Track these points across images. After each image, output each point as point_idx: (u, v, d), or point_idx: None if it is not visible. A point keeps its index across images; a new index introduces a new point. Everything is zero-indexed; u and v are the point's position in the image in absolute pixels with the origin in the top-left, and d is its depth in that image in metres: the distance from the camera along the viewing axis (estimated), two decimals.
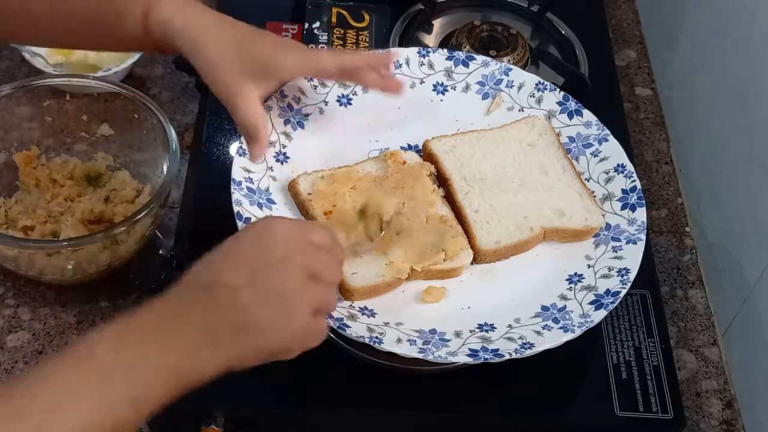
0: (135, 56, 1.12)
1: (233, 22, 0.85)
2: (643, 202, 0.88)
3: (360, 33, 1.11)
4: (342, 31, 1.11)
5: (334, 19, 1.12)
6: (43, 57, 1.12)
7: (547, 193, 0.89)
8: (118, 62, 1.12)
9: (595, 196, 0.90)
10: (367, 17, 1.13)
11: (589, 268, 0.85)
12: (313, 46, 1.09)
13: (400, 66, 0.97)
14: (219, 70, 0.83)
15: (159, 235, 1.01)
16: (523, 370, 0.84)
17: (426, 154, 0.91)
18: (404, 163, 0.89)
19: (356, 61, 0.87)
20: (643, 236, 0.85)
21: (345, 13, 1.13)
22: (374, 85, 0.89)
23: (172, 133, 0.96)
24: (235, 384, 0.83)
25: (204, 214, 0.93)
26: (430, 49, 0.98)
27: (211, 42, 0.82)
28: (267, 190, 0.86)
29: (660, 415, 0.84)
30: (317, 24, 1.11)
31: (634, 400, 0.85)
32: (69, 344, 0.64)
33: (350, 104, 0.95)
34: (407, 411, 0.84)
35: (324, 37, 1.10)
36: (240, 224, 0.81)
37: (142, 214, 0.91)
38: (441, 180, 0.90)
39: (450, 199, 0.89)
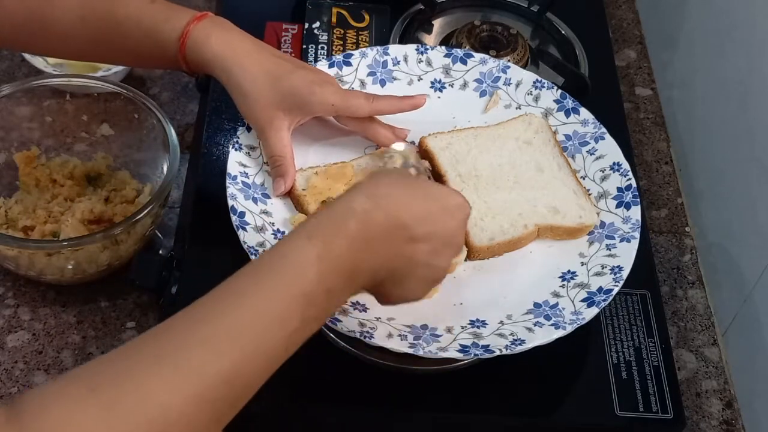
0: None
1: (269, 51, 0.86)
2: (638, 200, 0.88)
3: (360, 33, 1.11)
4: (342, 31, 1.11)
5: (334, 19, 1.12)
6: (43, 57, 1.12)
7: (541, 191, 0.89)
8: None
9: (590, 194, 0.90)
10: (367, 17, 1.13)
11: (582, 265, 0.85)
12: (314, 46, 1.09)
13: (398, 63, 0.97)
14: (252, 100, 0.84)
15: (159, 235, 1.01)
16: (523, 370, 0.85)
17: (422, 150, 0.91)
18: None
19: (390, 109, 0.90)
20: (638, 234, 0.85)
21: (345, 13, 1.13)
22: (386, 144, 0.90)
23: (172, 133, 0.97)
24: None
25: (204, 214, 0.93)
26: (428, 47, 0.98)
27: (247, 72, 0.84)
28: (262, 184, 0.87)
29: (660, 415, 0.84)
30: (317, 24, 1.11)
31: (634, 400, 0.85)
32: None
33: None
34: (407, 411, 0.84)
35: (324, 37, 1.10)
36: (234, 218, 0.82)
37: (142, 214, 0.91)
38: (436, 177, 0.90)
39: None
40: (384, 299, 0.73)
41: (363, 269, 0.67)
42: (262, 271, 0.64)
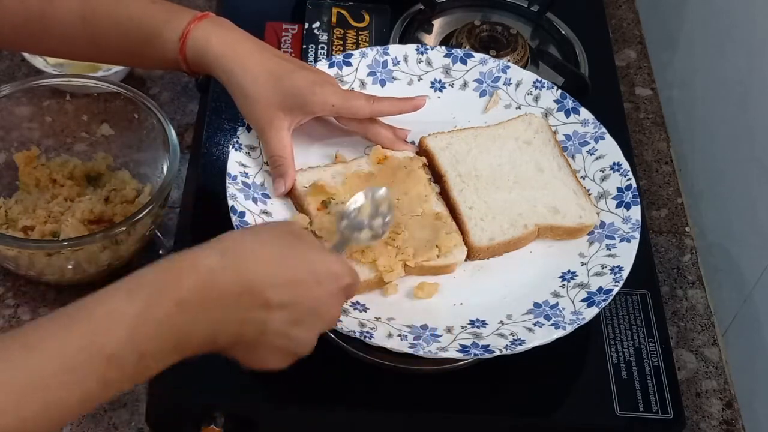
0: None
1: (270, 51, 0.86)
2: (638, 200, 0.88)
3: (360, 33, 1.11)
4: (342, 31, 1.11)
5: (334, 19, 1.12)
6: (43, 57, 1.12)
7: (541, 191, 0.89)
8: None
9: (590, 194, 0.90)
10: (367, 17, 1.13)
11: (582, 265, 0.85)
12: (314, 46, 1.09)
13: (398, 63, 0.97)
14: (253, 100, 0.84)
15: (159, 235, 1.01)
16: (523, 370, 0.85)
17: (422, 150, 0.91)
18: (385, 158, 0.89)
19: (391, 110, 0.89)
20: (638, 234, 0.85)
21: (345, 13, 1.13)
22: (387, 145, 0.90)
23: (172, 133, 0.97)
24: (235, 384, 0.83)
25: (204, 214, 0.93)
26: (428, 47, 0.98)
27: (248, 72, 0.83)
28: (262, 184, 0.87)
29: (660, 415, 0.84)
30: (317, 24, 1.11)
31: (634, 400, 0.85)
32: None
33: None
34: (407, 411, 0.84)
35: (324, 37, 1.10)
36: (234, 218, 0.82)
37: (142, 214, 0.91)
38: (436, 177, 0.90)
39: (445, 195, 0.89)
40: (241, 362, 0.68)
41: (194, 336, 0.61)
42: (63, 321, 0.57)
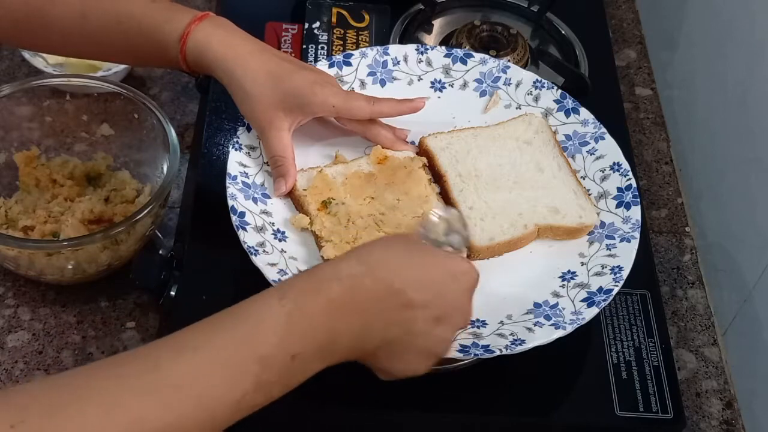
0: None
1: (270, 52, 0.86)
2: (638, 200, 0.88)
3: (360, 33, 1.11)
4: (342, 31, 1.11)
5: (334, 19, 1.12)
6: (43, 57, 1.12)
7: (541, 191, 0.89)
8: None
9: (590, 194, 0.90)
10: (367, 17, 1.13)
11: (582, 265, 0.85)
12: (314, 46, 1.09)
13: (398, 63, 0.97)
14: (254, 101, 0.84)
15: (159, 235, 1.01)
16: (523, 370, 0.85)
17: (422, 150, 0.91)
18: (385, 158, 0.89)
19: (391, 112, 0.89)
20: (638, 234, 0.85)
21: (345, 13, 1.13)
22: (387, 145, 0.90)
23: (172, 133, 0.97)
24: None
25: (204, 214, 0.93)
26: (428, 47, 0.98)
27: (248, 73, 0.83)
28: (262, 184, 0.87)
29: (660, 415, 0.84)
30: (317, 24, 1.11)
31: (634, 400, 0.85)
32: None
33: None
34: (407, 411, 0.84)
35: (324, 37, 1.10)
36: (234, 218, 0.82)
37: (142, 214, 0.91)
38: (436, 177, 0.90)
39: (445, 195, 0.89)
40: (382, 373, 0.70)
41: (343, 338, 0.63)
42: (220, 326, 0.60)
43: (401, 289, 0.65)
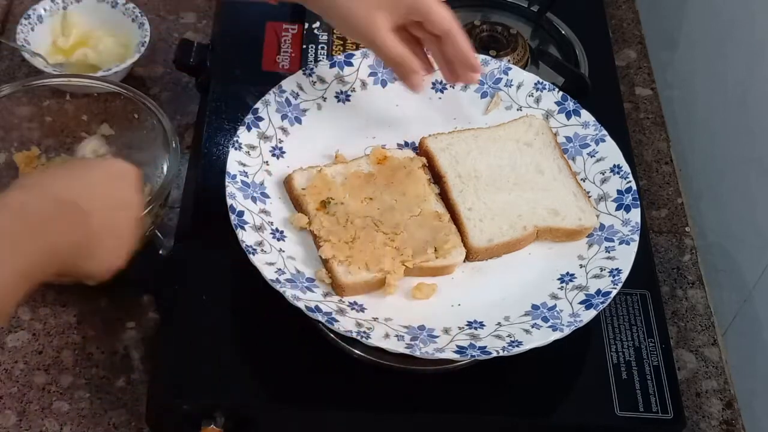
0: (135, 56, 1.12)
1: None
2: (638, 203, 0.88)
3: None
4: None
5: None
6: (43, 57, 1.12)
7: (541, 193, 0.89)
8: (118, 62, 1.12)
9: (590, 197, 0.90)
10: None
11: (581, 267, 0.85)
12: (314, 46, 1.09)
13: None
14: (355, 6, 0.82)
15: (159, 235, 1.01)
16: (523, 371, 0.85)
17: (422, 151, 0.91)
18: (385, 158, 0.89)
19: (463, 46, 0.86)
20: (637, 237, 0.85)
21: None
22: (413, 86, 0.88)
23: (173, 133, 0.96)
24: (235, 384, 0.83)
25: (204, 214, 0.93)
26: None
27: None
28: (262, 184, 0.87)
29: (660, 415, 0.84)
30: (317, 24, 1.11)
31: (634, 400, 0.85)
32: None
33: (348, 101, 0.95)
34: (407, 411, 0.84)
35: (324, 37, 1.09)
36: (233, 217, 0.82)
37: (142, 214, 0.91)
38: (436, 177, 0.90)
39: (444, 196, 0.89)
40: (82, 276, 0.74)
41: (32, 258, 0.65)
42: None
43: (71, 199, 0.69)
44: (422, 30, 0.86)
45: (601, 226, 0.88)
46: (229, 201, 0.83)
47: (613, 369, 0.87)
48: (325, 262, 0.82)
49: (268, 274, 0.78)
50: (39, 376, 0.91)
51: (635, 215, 0.87)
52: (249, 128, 0.89)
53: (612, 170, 0.91)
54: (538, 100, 0.96)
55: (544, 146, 0.93)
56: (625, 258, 0.84)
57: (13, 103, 1.00)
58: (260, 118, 0.90)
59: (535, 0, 1.17)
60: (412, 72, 0.85)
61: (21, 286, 0.66)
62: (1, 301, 0.64)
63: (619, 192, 0.89)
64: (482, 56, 0.98)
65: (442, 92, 0.97)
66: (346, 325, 0.77)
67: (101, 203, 0.71)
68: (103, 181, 0.73)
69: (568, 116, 0.95)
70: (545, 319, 0.80)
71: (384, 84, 0.96)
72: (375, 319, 0.79)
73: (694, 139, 1.16)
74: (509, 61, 1.07)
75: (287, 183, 0.87)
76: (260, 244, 0.81)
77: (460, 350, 0.77)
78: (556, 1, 1.16)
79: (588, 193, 0.90)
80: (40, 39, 1.14)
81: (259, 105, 0.91)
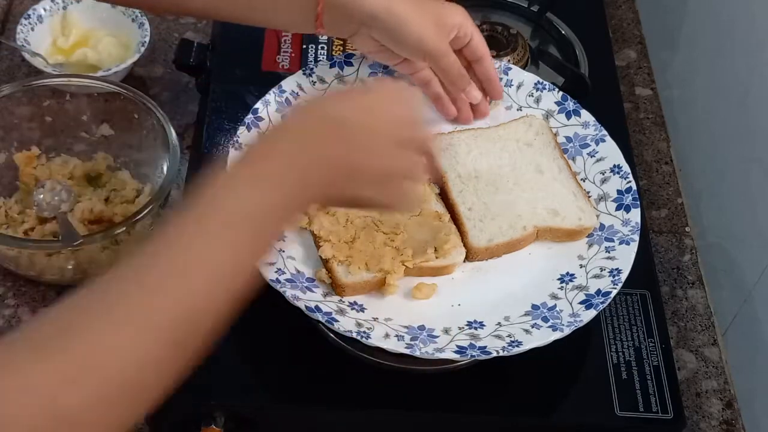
0: (135, 56, 1.13)
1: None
2: (638, 203, 0.88)
3: None
4: None
5: None
6: (43, 57, 1.12)
7: (541, 193, 0.89)
8: (118, 62, 1.12)
9: (590, 197, 0.90)
10: None
11: (581, 267, 0.85)
12: (314, 46, 1.09)
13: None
14: (423, 30, 0.84)
15: None
16: (523, 370, 0.85)
17: None
18: None
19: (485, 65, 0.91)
20: (637, 237, 0.85)
21: None
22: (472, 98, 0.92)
23: (172, 133, 0.97)
24: (235, 384, 0.83)
25: None
26: None
27: (398, 9, 0.83)
28: None
29: (660, 415, 0.84)
30: None
31: (634, 400, 0.85)
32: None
33: None
34: (407, 411, 0.84)
35: (324, 37, 1.09)
36: None
37: (142, 214, 0.91)
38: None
39: (444, 196, 0.89)
40: (369, 204, 0.73)
41: (306, 172, 0.66)
42: (198, 212, 0.62)
43: (339, 116, 0.68)
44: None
45: (601, 226, 0.88)
46: None
47: (613, 369, 0.87)
48: (325, 262, 0.82)
49: (268, 274, 0.78)
50: None
51: (635, 215, 0.87)
52: (249, 128, 0.89)
53: (612, 170, 0.91)
54: (538, 100, 0.96)
55: (544, 146, 0.93)
56: (625, 258, 0.84)
57: (13, 103, 1.00)
58: (260, 118, 0.90)
59: (535, 0, 1.17)
60: (468, 86, 0.89)
61: (302, 200, 0.67)
62: (289, 210, 0.66)
63: (619, 192, 0.89)
64: None
65: None
66: (346, 325, 0.77)
67: (372, 121, 0.69)
68: (377, 101, 0.71)
69: (568, 116, 0.95)
70: (545, 319, 0.80)
71: None
72: (375, 319, 0.79)
73: (694, 139, 1.16)
74: (509, 61, 1.07)
75: None
76: None
77: (460, 350, 0.77)
78: (556, 1, 1.16)
79: (588, 193, 0.90)
80: (40, 39, 1.14)
81: (259, 105, 0.91)
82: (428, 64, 0.88)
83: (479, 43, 0.88)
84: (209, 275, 0.60)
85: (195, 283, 0.59)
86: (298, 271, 0.81)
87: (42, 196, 0.97)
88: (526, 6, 1.18)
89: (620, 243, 0.85)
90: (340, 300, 0.80)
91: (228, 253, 0.61)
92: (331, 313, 0.77)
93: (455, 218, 0.87)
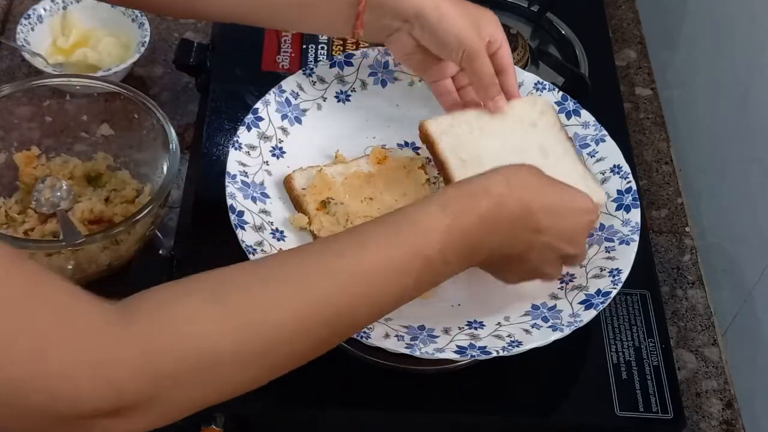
0: (135, 56, 1.13)
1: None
2: (638, 203, 0.88)
3: None
4: None
5: None
6: (43, 57, 1.12)
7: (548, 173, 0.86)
8: (118, 62, 1.12)
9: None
10: None
11: (581, 267, 0.84)
12: (314, 46, 1.09)
13: (399, 63, 0.97)
14: (466, 31, 0.84)
15: (159, 235, 1.01)
16: (523, 370, 0.85)
17: (422, 135, 0.87)
18: (385, 158, 0.89)
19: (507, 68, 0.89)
20: (637, 237, 0.85)
21: None
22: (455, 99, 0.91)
23: (172, 133, 0.96)
24: None
25: (204, 214, 0.93)
26: None
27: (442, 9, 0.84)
28: (262, 184, 0.87)
29: (660, 415, 0.84)
30: None
31: (634, 400, 0.85)
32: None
33: (348, 101, 0.95)
34: (407, 411, 0.84)
35: (324, 37, 1.09)
36: (233, 217, 0.82)
37: (142, 214, 0.91)
38: (438, 165, 0.87)
39: (447, 182, 0.86)
40: (495, 275, 0.77)
41: (483, 250, 0.70)
42: (391, 228, 0.67)
43: (535, 213, 0.71)
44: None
45: (601, 226, 0.87)
46: (229, 201, 0.83)
47: (613, 369, 0.87)
48: None
49: None
50: None
51: (635, 215, 0.87)
52: (249, 128, 0.89)
53: (612, 170, 0.91)
54: None
55: (549, 127, 0.90)
56: (625, 258, 0.84)
57: (13, 103, 1.00)
58: (260, 118, 0.90)
59: (535, 0, 1.17)
60: (498, 95, 0.88)
61: (457, 269, 0.70)
62: (450, 266, 0.69)
63: (619, 192, 0.89)
64: None
65: None
66: None
67: (552, 231, 0.73)
68: (566, 211, 0.74)
69: (568, 116, 0.95)
70: (545, 319, 0.80)
71: (384, 84, 0.96)
72: None
73: (694, 139, 1.16)
74: None
75: (287, 183, 0.87)
76: (260, 244, 0.81)
77: (460, 350, 0.77)
78: (556, 1, 1.16)
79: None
80: (40, 39, 1.14)
81: (259, 105, 0.91)
82: (462, 66, 0.86)
83: (506, 55, 0.88)
84: (374, 290, 0.65)
85: (358, 288, 0.64)
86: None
87: (42, 192, 0.97)
88: (526, 6, 1.18)
89: (620, 243, 0.85)
90: None
91: (403, 284, 0.66)
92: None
93: None
